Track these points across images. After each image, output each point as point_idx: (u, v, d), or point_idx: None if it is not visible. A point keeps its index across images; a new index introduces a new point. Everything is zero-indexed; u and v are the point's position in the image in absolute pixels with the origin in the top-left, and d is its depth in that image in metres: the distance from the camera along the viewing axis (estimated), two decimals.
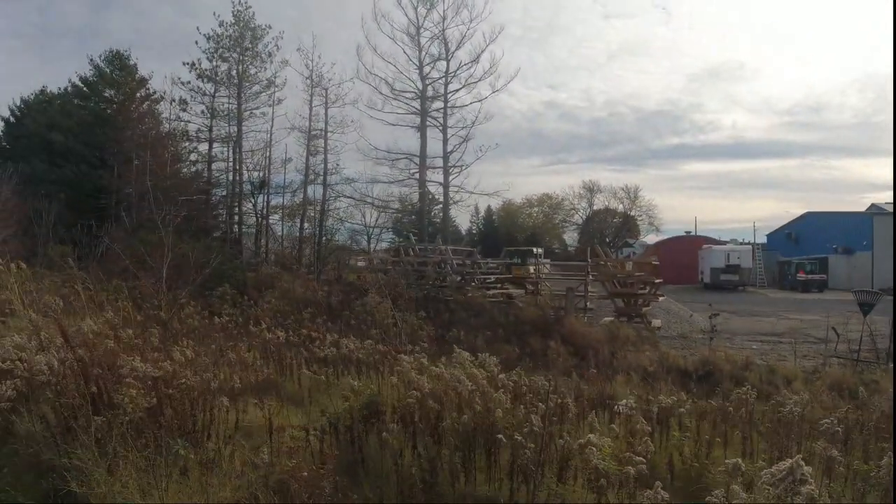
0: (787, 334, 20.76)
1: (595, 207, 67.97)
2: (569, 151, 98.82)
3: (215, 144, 29.57)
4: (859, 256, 39.51)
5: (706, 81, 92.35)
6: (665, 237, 61.22)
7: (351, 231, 33.61)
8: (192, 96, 28.15)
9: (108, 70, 32.13)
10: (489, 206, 64.54)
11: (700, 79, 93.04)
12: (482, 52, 28.46)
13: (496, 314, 18.86)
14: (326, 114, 28.81)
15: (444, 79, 28.82)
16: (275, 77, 28.78)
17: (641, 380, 12.47)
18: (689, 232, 54.58)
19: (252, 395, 6.53)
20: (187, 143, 29.87)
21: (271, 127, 29.01)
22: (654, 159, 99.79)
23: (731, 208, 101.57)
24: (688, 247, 48.38)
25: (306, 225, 29.74)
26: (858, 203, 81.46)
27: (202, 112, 28.68)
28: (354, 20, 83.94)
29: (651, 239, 67.17)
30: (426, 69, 29.09)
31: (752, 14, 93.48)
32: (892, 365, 13.97)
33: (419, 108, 29.02)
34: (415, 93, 29.11)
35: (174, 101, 28.29)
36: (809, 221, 47.08)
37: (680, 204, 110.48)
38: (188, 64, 27.44)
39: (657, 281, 20.27)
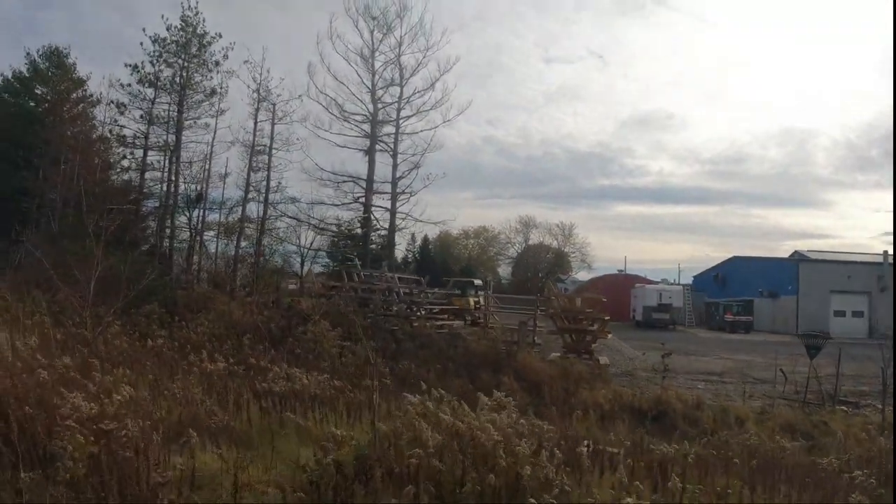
0: (727, 374, 21.07)
1: (530, 242, 69.02)
2: (503, 187, 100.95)
3: (151, 153, 27.83)
4: (784, 300, 41.27)
5: (636, 128, 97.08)
6: (597, 274, 62.57)
7: (283, 253, 32.19)
8: (130, 100, 26.48)
9: (43, 66, 30.08)
10: (426, 236, 64.39)
11: (630, 125, 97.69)
12: (436, 80, 28.35)
13: (445, 346, 18.22)
14: (273, 129, 27.70)
15: (396, 104, 28.41)
16: (220, 87, 27.50)
17: (599, 419, 12.16)
18: (622, 270, 55.94)
19: (200, 436, 5.63)
20: (122, 149, 27.92)
21: (213, 139, 27.60)
22: (584, 199, 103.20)
23: (654, 249, 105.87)
24: (619, 285, 49.33)
25: (243, 243, 28.29)
26: (776, 250, 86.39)
27: (140, 117, 27.01)
28: (307, 39, 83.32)
29: (583, 276, 68.67)
30: (378, 93, 28.61)
31: (682, 68, 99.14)
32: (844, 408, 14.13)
33: (369, 131, 28.39)
34: (365, 116, 28.52)
35: (111, 103, 26.52)
36: (736, 265, 49.04)
37: (608, 243, 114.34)
38: (130, 66, 25.84)
39: (606, 318, 20.19)
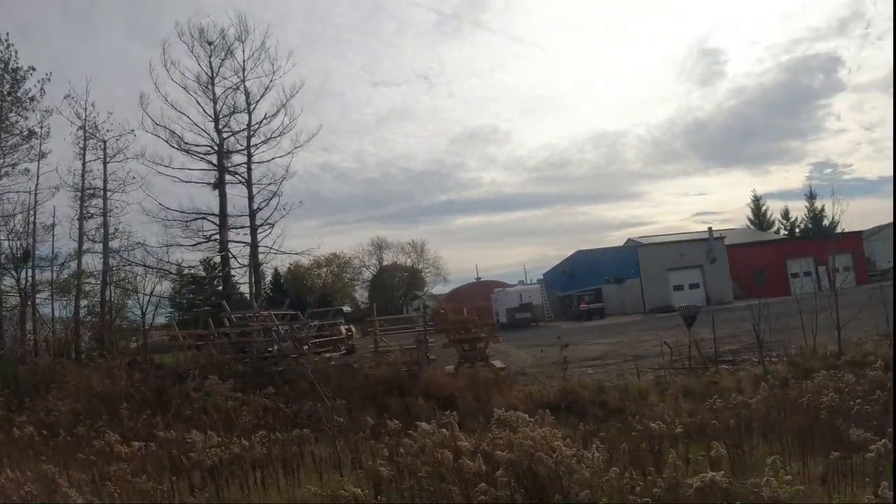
0: (607, 356, 22.16)
1: (385, 263, 68.90)
2: (345, 212, 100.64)
3: None
4: (629, 283, 44.79)
5: (466, 143, 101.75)
6: (454, 286, 63.94)
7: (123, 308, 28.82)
8: None
9: None
10: (276, 270, 61.84)
11: (461, 141, 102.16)
12: (283, 104, 26.99)
13: (342, 379, 17.23)
14: (105, 169, 24.83)
15: (245, 132, 26.65)
16: (41, 126, 24.16)
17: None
18: (479, 278, 57.47)
19: None
20: None
21: (36, 186, 24.13)
22: (425, 215, 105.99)
23: (498, 255, 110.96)
24: (479, 292, 50.65)
25: (83, 302, 24.95)
26: (603, 241, 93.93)
27: None
28: (129, 69, 76.50)
29: (439, 289, 69.87)
30: (222, 121, 26.69)
31: (501, 84, 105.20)
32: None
33: (216, 163, 26.39)
34: (210, 147, 26.47)
35: None
36: (580, 258, 52.45)
37: (455, 255, 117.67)
38: None
39: (492, 324, 20.42)
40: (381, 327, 22.71)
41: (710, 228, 46.08)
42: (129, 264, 25.75)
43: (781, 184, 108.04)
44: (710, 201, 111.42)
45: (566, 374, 17.14)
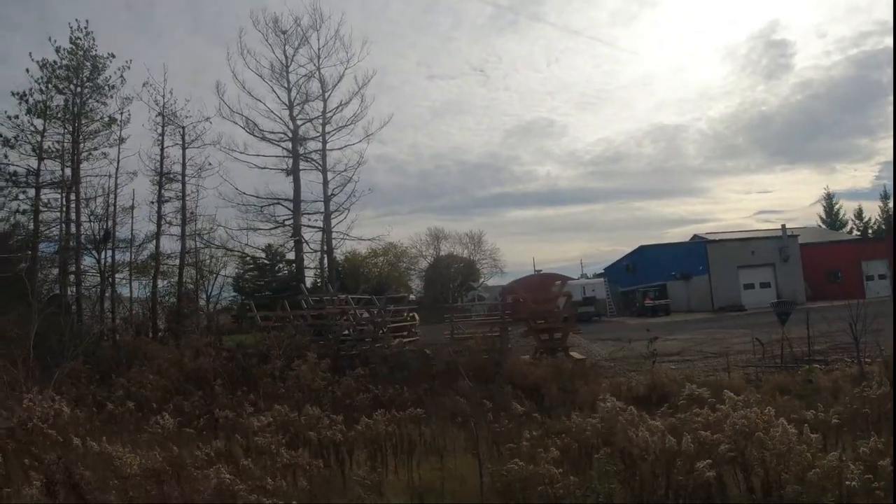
0: (684, 353, 21.36)
1: (441, 254, 68.82)
2: (400, 203, 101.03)
3: (46, 190, 24.41)
4: (696, 280, 43.41)
5: (521, 137, 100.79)
6: (511, 277, 63.33)
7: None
8: (17, 134, 23.09)
9: None
10: (334, 258, 62.46)
11: (516, 134, 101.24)
12: (356, 93, 27.05)
13: (424, 365, 17.05)
14: (184, 154, 25.31)
15: (321, 118, 26.73)
16: (121, 112, 24.76)
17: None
18: (540, 270, 56.75)
19: None
20: (10, 189, 24.21)
21: (116, 170, 24.75)
22: (479, 207, 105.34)
23: (551, 249, 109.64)
24: (540, 284, 49.91)
25: (161, 282, 25.51)
26: (662, 237, 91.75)
27: (32, 151, 23.64)
28: (205, 57, 78.91)
29: (495, 282, 69.41)
30: (296, 109, 26.85)
31: (557, 78, 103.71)
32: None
33: (290, 149, 26.58)
34: (284, 134, 26.67)
35: (2, 136, 23.01)
36: (644, 253, 51.12)
37: (508, 247, 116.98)
38: (17, 95, 22.52)
39: (571, 315, 19.96)
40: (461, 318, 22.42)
41: (783, 226, 44.27)
42: (208, 246, 26.20)
43: (849, 182, 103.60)
44: (774, 199, 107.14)
45: (654, 367, 16.64)
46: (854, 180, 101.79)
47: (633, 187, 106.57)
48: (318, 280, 59.48)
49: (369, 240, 29.93)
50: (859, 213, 64.94)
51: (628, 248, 53.70)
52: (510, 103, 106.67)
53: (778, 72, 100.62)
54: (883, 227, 61.32)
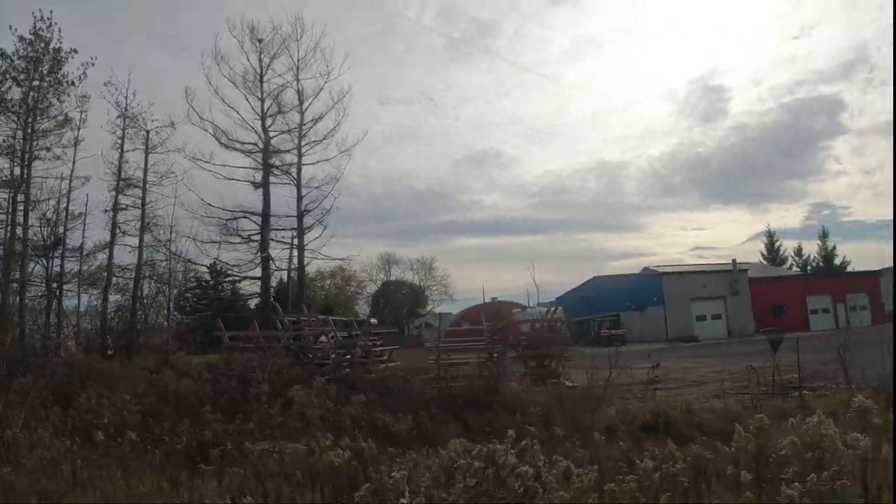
0: (662, 381, 21.29)
1: (392, 278, 67.84)
2: (347, 225, 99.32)
3: None
4: (651, 311, 44.10)
5: (470, 166, 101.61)
6: (461, 305, 62.96)
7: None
8: None
9: None
10: (281, 279, 60.59)
11: (465, 163, 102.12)
12: (331, 107, 25.99)
13: (416, 391, 16.15)
14: (147, 160, 23.65)
15: (298, 130, 25.59)
16: (80, 111, 22.94)
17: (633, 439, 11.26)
18: (495, 298, 56.42)
19: None
20: None
21: (71, 172, 22.84)
22: (427, 234, 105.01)
23: (496, 278, 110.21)
24: (496, 312, 49.57)
25: (114, 297, 23.59)
26: (601, 269, 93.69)
27: None
28: (175, 62, 75.62)
29: (445, 308, 68.85)
30: (269, 120, 25.68)
31: (506, 112, 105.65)
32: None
33: (261, 161, 25.32)
34: (255, 145, 25.42)
35: None
36: (598, 284, 51.75)
37: (458, 275, 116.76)
38: None
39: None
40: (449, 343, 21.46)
41: (733, 260, 45.86)
42: (170, 259, 24.47)
43: (780, 222, 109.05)
44: (709, 236, 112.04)
45: (655, 395, 16.38)
46: (784, 220, 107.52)
47: (578, 220, 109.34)
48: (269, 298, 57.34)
49: (341, 259, 29.05)
50: (799, 251, 68.54)
51: (570, 279, 54.54)
52: (460, 133, 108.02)
53: (715, 115, 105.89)
54: (822, 263, 64.71)
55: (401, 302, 65.36)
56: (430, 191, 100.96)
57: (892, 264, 46.20)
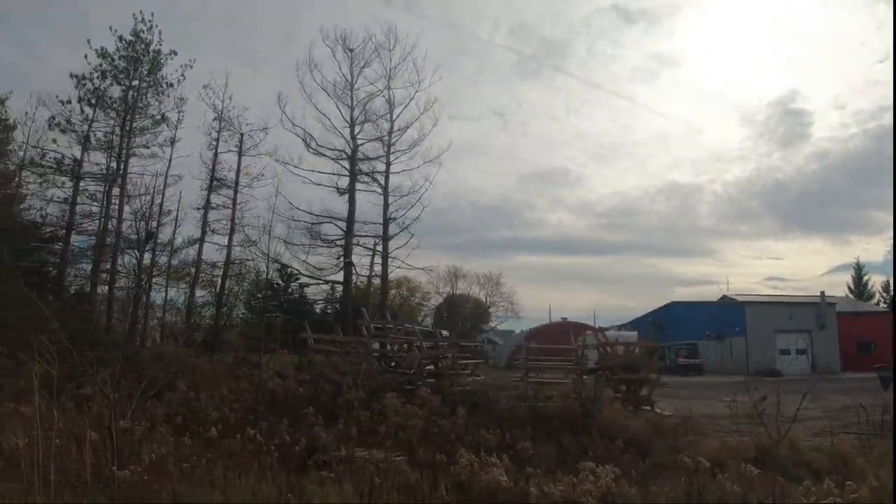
0: (742, 417, 20.14)
1: (458, 292, 67.43)
2: (392, 240, 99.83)
3: (87, 181, 23.25)
4: (730, 342, 42.09)
5: (536, 183, 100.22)
6: (527, 323, 61.91)
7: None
8: (65, 124, 21.95)
9: None
10: (354, 284, 61.30)
11: (530, 180, 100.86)
12: (417, 118, 26.06)
13: (505, 407, 15.53)
14: (240, 161, 24.19)
15: (386, 138, 25.72)
16: (178, 111, 23.78)
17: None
18: (566, 318, 55.14)
19: None
20: (52, 175, 22.92)
21: (167, 170, 23.61)
22: (489, 249, 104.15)
23: (556, 298, 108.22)
24: (562, 333, 48.47)
25: (200, 292, 24.15)
26: (669, 295, 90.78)
27: (78, 140, 22.53)
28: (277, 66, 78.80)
29: (510, 325, 68.03)
30: (357, 128, 25.90)
31: (575, 130, 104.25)
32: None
33: (348, 168, 25.50)
34: (343, 151, 25.62)
35: (55, 118, 21.83)
36: (674, 310, 49.84)
37: (522, 292, 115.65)
38: (75, 77, 21.48)
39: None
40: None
41: (822, 293, 43.36)
42: (254, 259, 24.92)
43: (862, 255, 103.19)
44: (785, 266, 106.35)
45: (750, 429, 15.32)
46: (867, 253, 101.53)
47: (645, 243, 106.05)
48: (335, 307, 58.25)
49: (422, 268, 29.32)
50: (887, 286, 64.46)
51: (636, 303, 52.56)
52: (527, 149, 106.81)
53: (795, 140, 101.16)
54: None
55: (464, 316, 64.84)
56: (494, 206, 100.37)
57: None
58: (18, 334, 13.87)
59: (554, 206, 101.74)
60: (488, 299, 66.39)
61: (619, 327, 47.99)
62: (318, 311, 39.23)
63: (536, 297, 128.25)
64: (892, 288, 41.61)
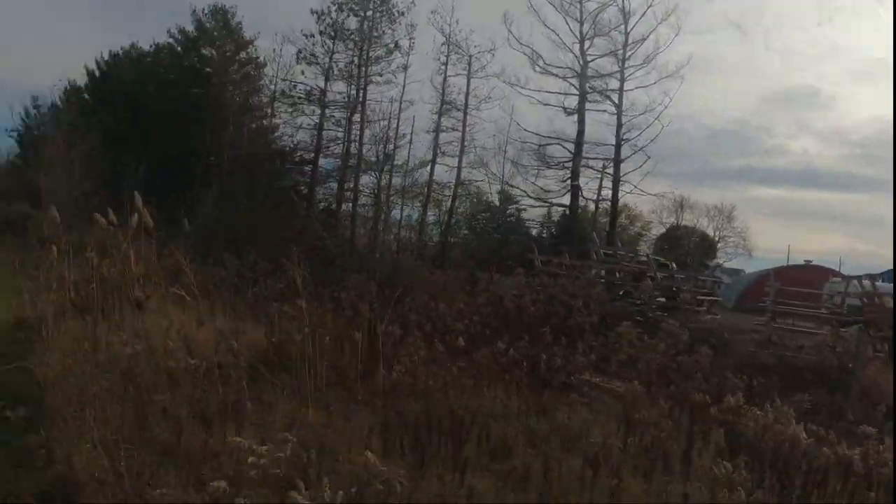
0: None
1: (683, 223, 63.54)
2: (627, 162, 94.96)
3: (329, 110, 25.73)
4: None
5: (777, 104, 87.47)
6: (759, 263, 56.47)
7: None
8: (311, 57, 24.38)
9: (209, 25, 28.10)
10: (563, 212, 60.94)
11: (771, 101, 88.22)
12: (653, 29, 24.07)
13: (743, 353, 14.32)
14: (468, 84, 24.71)
15: (621, 53, 24.30)
16: (409, 39, 24.89)
17: None
18: (810, 261, 49.45)
19: None
20: (301, 105, 25.75)
21: (401, 96, 24.99)
22: (716, 179, 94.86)
23: (797, 238, 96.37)
24: (805, 277, 43.40)
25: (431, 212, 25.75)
26: None
27: (321, 71, 24.89)
28: None
29: (737, 264, 62.67)
30: (587, 43, 24.75)
31: (829, 42, 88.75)
32: None
33: (577, 87, 24.65)
34: (571, 69, 24.78)
35: (301, 52, 24.34)
36: None
37: (753, 229, 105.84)
38: (315, 13, 23.55)
39: None
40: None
41: None
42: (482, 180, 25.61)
43: None
44: None
45: None
46: None
47: None
48: (550, 231, 58.34)
49: (654, 195, 28.48)
50: None
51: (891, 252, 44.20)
52: (769, 66, 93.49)
53: None
54: None
55: (689, 249, 61.10)
56: (726, 131, 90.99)
57: None
58: (280, 241, 16.12)
59: (798, 131, 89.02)
60: (717, 233, 61.45)
61: (878, 276, 41.67)
62: (533, 233, 39.71)
63: (771, 234, 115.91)
64: None
